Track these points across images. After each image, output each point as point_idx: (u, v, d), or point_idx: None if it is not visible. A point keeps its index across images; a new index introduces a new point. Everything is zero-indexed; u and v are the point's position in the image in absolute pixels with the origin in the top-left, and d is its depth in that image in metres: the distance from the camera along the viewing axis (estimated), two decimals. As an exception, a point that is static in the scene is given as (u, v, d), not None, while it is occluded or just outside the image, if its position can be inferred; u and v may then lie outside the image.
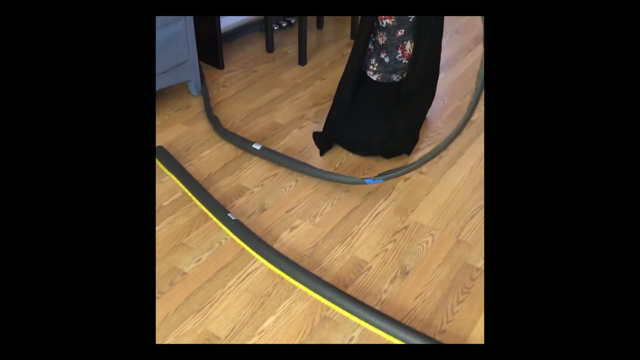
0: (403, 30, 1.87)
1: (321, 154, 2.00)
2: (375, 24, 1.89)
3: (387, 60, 1.95)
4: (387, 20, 1.87)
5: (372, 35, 1.93)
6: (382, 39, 1.92)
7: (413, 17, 1.84)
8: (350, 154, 2.01)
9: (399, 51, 1.92)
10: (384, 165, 1.95)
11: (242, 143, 1.99)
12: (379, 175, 1.70)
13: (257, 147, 1.94)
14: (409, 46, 1.91)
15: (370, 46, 1.95)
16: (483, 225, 1.71)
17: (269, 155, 1.94)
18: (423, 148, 2.05)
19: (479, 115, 2.25)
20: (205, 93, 2.30)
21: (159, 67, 2.09)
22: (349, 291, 1.48)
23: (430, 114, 2.24)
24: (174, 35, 2.09)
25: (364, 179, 1.70)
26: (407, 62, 1.93)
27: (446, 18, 2.96)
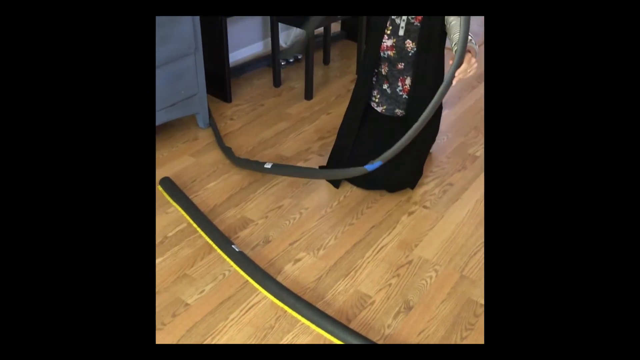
0: (403, 64, 1.92)
1: (336, 186, 2.01)
2: (379, 55, 1.93)
3: (389, 91, 1.99)
4: (388, 52, 1.91)
5: (375, 67, 1.97)
6: (384, 69, 1.97)
7: (413, 51, 1.88)
8: (354, 187, 2.02)
9: (399, 84, 1.97)
10: (388, 198, 1.97)
11: (256, 166, 2.04)
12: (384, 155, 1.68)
13: (268, 165, 1.98)
14: (408, 81, 1.95)
15: (374, 78, 2.00)
16: (487, 260, 1.70)
17: (281, 170, 2.00)
18: (427, 182, 2.07)
19: (482, 151, 2.27)
20: (214, 125, 2.34)
21: (168, 99, 2.14)
22: (352, 325, 1.47)
23: (434, 148, 2.26)
24: (184, 69, 2.14)
25: (365, 166, 1.70)
26: (406, 97, 1.97)
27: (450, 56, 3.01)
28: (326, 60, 3.06)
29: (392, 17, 1.87)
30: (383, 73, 1.98)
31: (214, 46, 2.42)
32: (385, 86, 2.00)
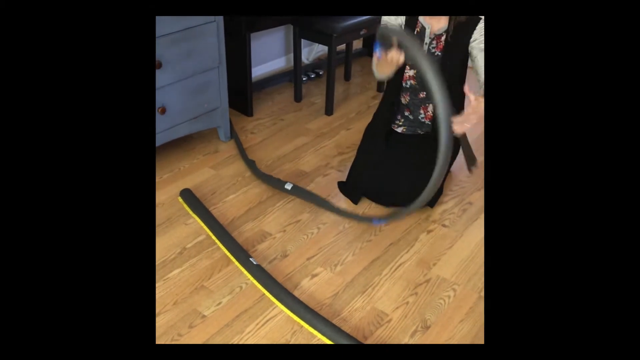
0: (425, 93, 1.92)
1: (355, 202, 2.01)
2: (400, 85, 1.94)
3: (411, 117, 2.00)
4: (410, 82, 1.92)
5: (397, 96, 1.97)
6: (404, 99, 1.97)
7: None
8: (373, 204, 2.02)
9: (422, 112, 1.97)
10: (406, 217, 1.96)
11: (276, 183, 2.06)
12: (388, 217, 1.76)
13: (288, 187, 1.99)
14: (430, 109, 1.95)
15: (395, 107, 2.00)
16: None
17: (299, 193, 2.00)
18: (446, 201, 2.05)
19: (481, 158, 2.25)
20: (237, 138, 2.37)
21: (191, 112, 2.17)
22: (368, 342, 1.46)
23: (454, 167, 2.25)
24: (207, 83, 2.17)
25: (373, 220, 1.75)
26: (429, 123, 1.97)
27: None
28: (347, 77, 3.08)
29: None
30: (404, 102, 1.98)
31: (237, 60, 2.46)
32: (407, 113, 2.00)
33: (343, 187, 2.08)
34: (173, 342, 1.43)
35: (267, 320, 1.52)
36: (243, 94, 2.57)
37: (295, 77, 2.75)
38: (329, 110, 2.67)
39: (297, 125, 2.58)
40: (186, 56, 2.03)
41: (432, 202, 2.00)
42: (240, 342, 1.44)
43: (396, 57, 1.49)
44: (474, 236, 1.88)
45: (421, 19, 1.82)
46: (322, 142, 2.44)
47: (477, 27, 1.75)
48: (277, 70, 3.07)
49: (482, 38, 1.75)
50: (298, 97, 2.79)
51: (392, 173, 1.96)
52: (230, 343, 1.44)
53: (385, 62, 1.53)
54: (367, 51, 3.34)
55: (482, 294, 1.64)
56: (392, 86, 1.96)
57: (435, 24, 1.80)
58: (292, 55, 2.92)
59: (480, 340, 1.48)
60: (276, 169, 2.23)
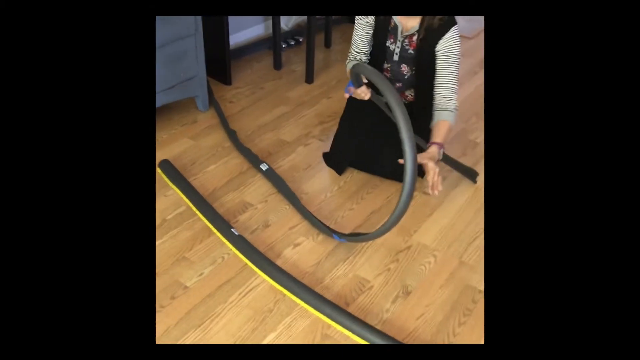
0: (400, 84, 1.90)
1: (340, 173, 2.00)
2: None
3: None
4: (385, 74, 1.90)
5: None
6: None
7: (409, 74, 1.86)
8: (355, 172, 2.02)
9: (400, 97, 1.96)
10: (388, 184, 1.96)
11: (254, 159, 2.02)
12: (348, 236, 1.65)
13: (263, 167, 1.96)
14: (408, 93, 1.94)
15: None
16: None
17: (271, 178, 1.95)
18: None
19: (483, 137, 2.26)
20: (218, 107, 2.33)
21: (167, 81, 2.12)
22: (350, 310, 1.47)
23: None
24: (184, 51, 2.12)
25: (333, 234, 1.67)
26: (409, 103, 1.96)
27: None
28: (327, 44, 3.03)
29: (387, 43, 1.83)
30: (388, 76, 1.96)
31: (215, 28, 2.40)
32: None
33: (328, 158, 2.06)
34: (155, 313, 1.43)
35: (250, 290, 1.52)
36: (221, 62, 2.51)
37: (274, 44, 2.69)
38: (309, 79, 2.64)
39: (277, 93, 2.54)
40: (160, 24, 1.97)
41: (421, 173, 2.00)
42: (224, 312, 1.45)
43: (364, 93, 1.67)
44: (455, 203, 1.90)
45: (395, 17, 1.78)
46: (303, 111, 2.41)
47: (444, 37, 1.71)
48: (255, 37, 3.00)
49: (446, 50, 1.72)
50: (278, 65, 2.75)
51: (376, 142, 1.95)
52: (213, 312, 1.45)
53: (355, 95, 1.68)
54: (348, 18, 3.29)
55: (463, 259, 1.66)
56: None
57: (407, 23, 1.76)
58: (270, 22, 2.86)
59: (460, 305, 1.51)
60: (256, 138, 2.20)
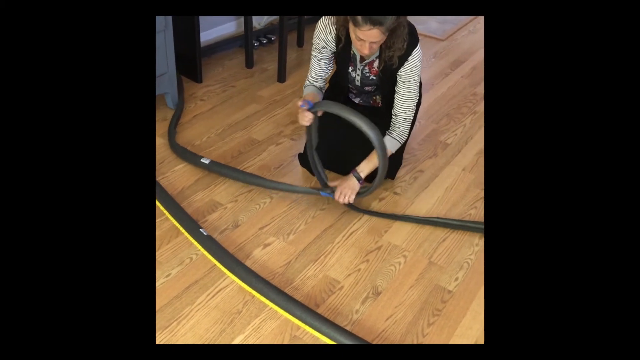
0: (370, 87, 1.88)
1: (313, 174, 1.98)
2: (346, 85, 1.90)
3: (363, 102, 1.97)
4: (350, 86, 1.88)
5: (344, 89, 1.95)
6: (353, 94, 1.96)
7: (373, 88, 1.85)
8: (326, 172, 2.00)
9: (370, 102, 1.96)
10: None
11: (191, 158, 1.96)
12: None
13: (205, 161, 1.92)
14: (378, 98, 1.94)
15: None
16: (455, 247, 1.72)
17: (218, 169, 1.91)
18: (401, 167, 2.07)
19: (453, 138, 2.28)
20: (179, 106, 2.28)
21: (136, 78, 2.07)
22: (320, 310, 1.47)
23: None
24: (152, 47, 2.08)
25: (319, 190, 1.76)
26: (379, 107, 1.96)
27: (425, 43, 3.01)
28: (300, 43, 3.02)
29: (348, 69, 1.81)
30: (354, 92, 1.95)
31: (185, 25, 2.36)
32: (356, 100, 1.98)
33: (303, 159, 2.04)
34: (120, 316, 1.40)
35: (218, 291, 1.50)
36: (192, 59, 2.47)
37: (246, 42, 2.66)
38: (281, 77, 2.62)
39: (248, 92, 2.51)
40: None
41: (393, 174, 2.00)
42: (191, 313, 1.42)
43: (305, 120, 1.67)
44: (425, 203, 1.91)
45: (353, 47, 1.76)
46: (275, 110, 2.39)
47: (406, 61, 1.69)
48: (227, 35, 2.97)
49: (407, 76, 1.71)
50: (249, 64, 2.72)
51: (349, 142, 1.94)
52: (181, 314, 1.42)
53: (300, 115, 1.67)
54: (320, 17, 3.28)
55: (432, 259, 1.67)
56: (337, 87, 1.92)
57: (363, 52, 1.74)
58: (242, 20, 2.83)
59: (430, 305, 1.52)
60: (227, 137, 2.17)
